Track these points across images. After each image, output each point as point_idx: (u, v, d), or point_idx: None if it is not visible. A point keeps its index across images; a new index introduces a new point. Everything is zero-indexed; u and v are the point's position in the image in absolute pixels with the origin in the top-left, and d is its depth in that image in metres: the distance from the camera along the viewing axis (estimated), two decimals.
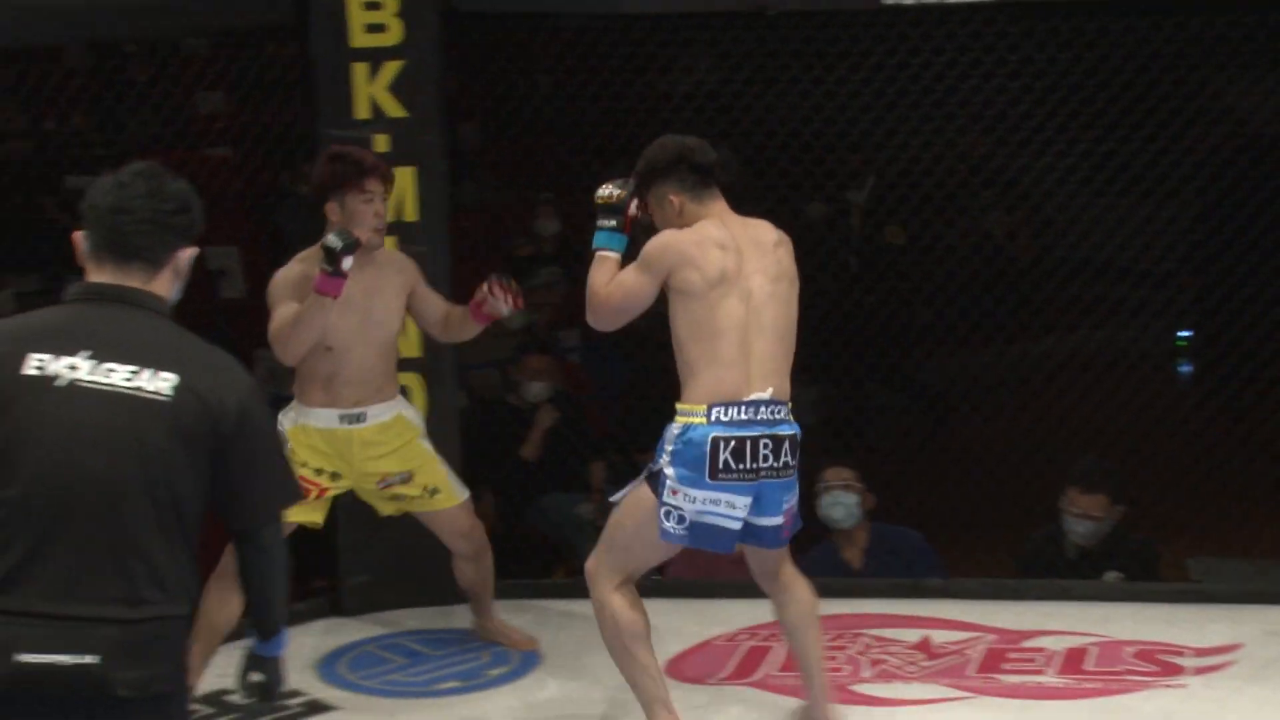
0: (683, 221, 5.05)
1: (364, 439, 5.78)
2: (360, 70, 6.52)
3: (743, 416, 4.90)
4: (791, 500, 5.12)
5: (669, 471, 4.94)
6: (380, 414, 5.80)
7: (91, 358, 3.23)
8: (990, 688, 5.90)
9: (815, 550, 6.92)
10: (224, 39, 8.76)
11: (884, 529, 7.01)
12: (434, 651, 6.38)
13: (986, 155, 9.24)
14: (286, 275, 5.70)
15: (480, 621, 6.35)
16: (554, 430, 8.08)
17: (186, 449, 3.23)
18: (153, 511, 3.23)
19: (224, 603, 5.30)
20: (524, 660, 6.33)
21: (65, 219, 9.30)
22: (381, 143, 6.50)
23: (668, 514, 4.97)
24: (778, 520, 5.09)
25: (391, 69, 6.53)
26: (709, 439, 4.87)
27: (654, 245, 5.02)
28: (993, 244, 9.80)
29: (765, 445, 4.93)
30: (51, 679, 3.11)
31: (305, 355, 5.63)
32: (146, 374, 3.23)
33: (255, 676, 3.61)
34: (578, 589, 6.50)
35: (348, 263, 5.37)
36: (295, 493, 3.60)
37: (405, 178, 6.52)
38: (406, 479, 5.87)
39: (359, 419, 5.75)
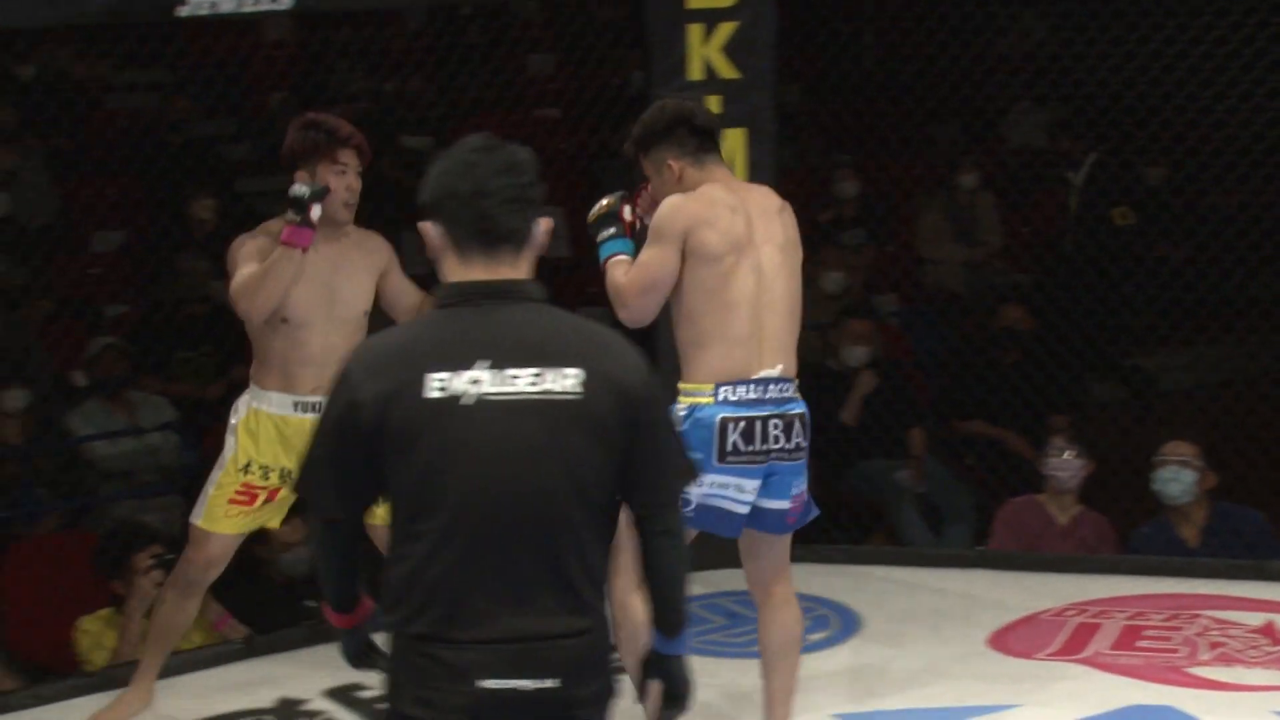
0: (682, 189, 4.76)
1: None
2: (695, 31, 6.51)
3: (751, 395, 4.64)
4: (801, 485, 4.83)
5: None
6: None
7: (491, 367, 3.04)
8: None
9: (1148, 525, 6.77)
10: (556, 2, 8.87)
11: (1226, 508, 6.76)
12: (752, 613, 6.33)
13: None
14: (251, 241, 5.26)
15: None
16: (873, 395, 7.99)
17: (602, 444, 3.06)
18: (583, 515, 3.08)
19: (180, 609, 5.34)
20: (844, 625, 6.27)
21: (403, 177, 9.50)
22: (713, 104, 6.43)
23: None
24: (784, 504, 4.80)
25: (726, 30, 6.51)
26: (717, 419, 4.60)
27: (663, 212, 4.71)
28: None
29: (775, 425, 4.67)
30: (515, 704, 3.02)
31: (263, 332, 5.21)
32: (550, 374, 3.05)
33: (662, 683, 3.37)
34: (895, 555, 6.44)
35: (316, 211, 5.02)
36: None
37: (735, 139, 6.54)
38: None
39: (316, 408, 5.09)
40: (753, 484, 4.67)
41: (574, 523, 3.06)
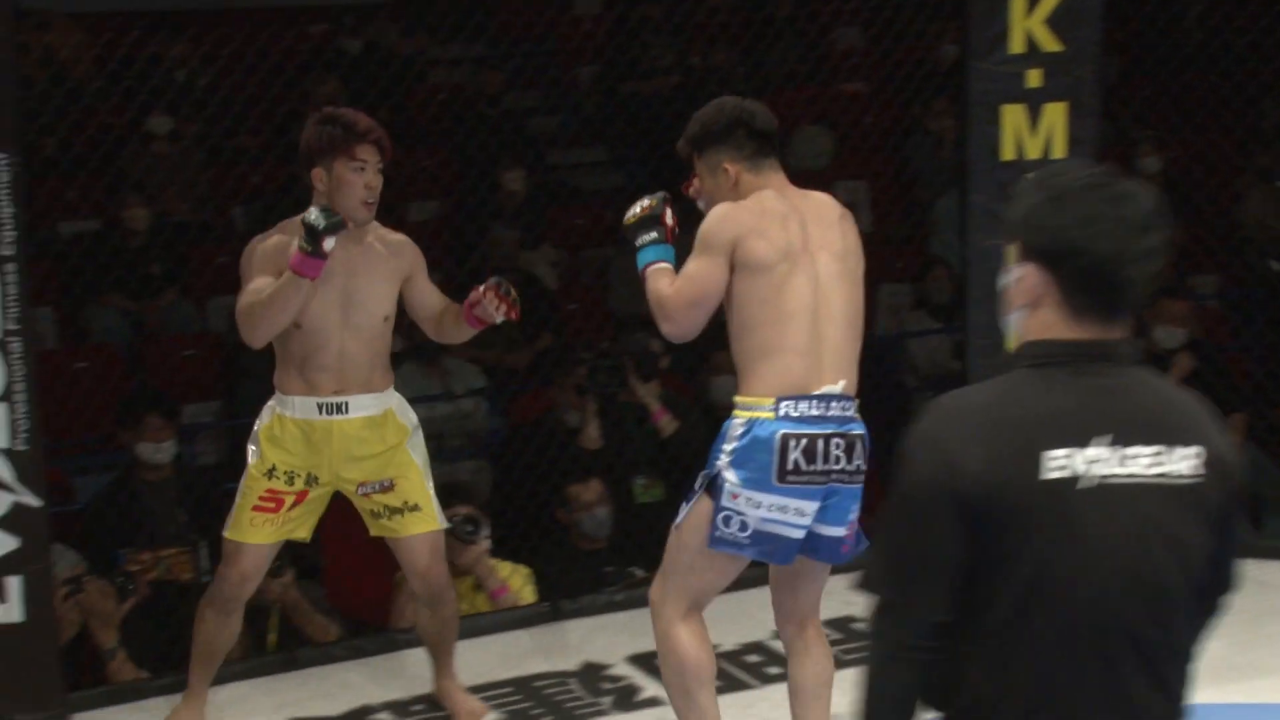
0: (737, 195, 4.47)
1: (345, 433, 5.04)
2: (1019, 3, 6.36)
3: (814, 412, 4.31)
4: (856, 512, 4.49)
5: (729, 475, 4.34)
6: (366, 406, 5.06)
7: (1111, 445, 2.63)
8: None
9: None
10: None
11: None
12: None
13: None
14: (262, 245, 4.95)
15: (437, 681, 5.52)
16: (1190, 378, 7.73)
17: (1213, 533, 2.67)
18: (1198, 615, 2.76)
19: (222, 626, 5.19)
20: None
21: None
22: (1034, 78, 6.39)
23: (726, 519, 4.35)
24: (841, 531, 4.47)
25: (1050, 1, 6.34)
26: (778, 436, 4.28)
27: (711, 221, 4.43)
28: None
29: (837, 445, 4.33)
30: None
31: (280, 335, 4.95)
32: (1171, 453, 2.64)
33: None
34: None
35: (329, 243, 4.66)
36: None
37: (1056, 113, 6.42)
38: (387, 487, 5.13)
39: (341, 409, 5.00)
40: (812, 506, 4.36)
41: (1187, 624, 2.73)
